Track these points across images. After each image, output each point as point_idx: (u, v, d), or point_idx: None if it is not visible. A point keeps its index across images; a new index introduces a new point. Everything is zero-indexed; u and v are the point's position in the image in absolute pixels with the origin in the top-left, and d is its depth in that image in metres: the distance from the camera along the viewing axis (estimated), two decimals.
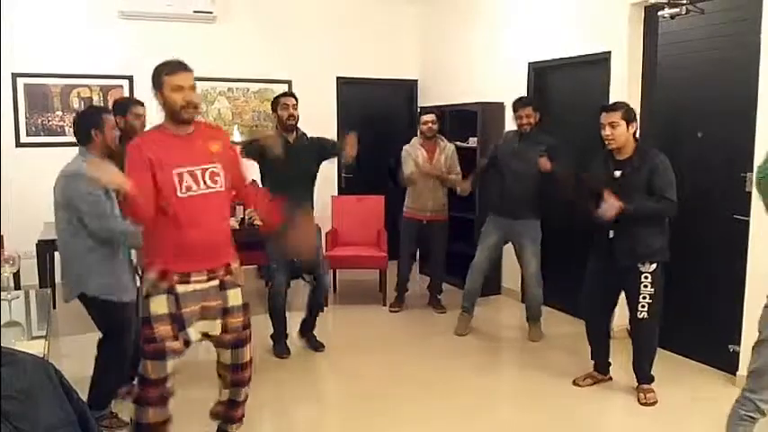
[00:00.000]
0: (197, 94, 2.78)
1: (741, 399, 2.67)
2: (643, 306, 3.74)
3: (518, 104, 4.81)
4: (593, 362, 4.09)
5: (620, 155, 3.72)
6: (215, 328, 2.87)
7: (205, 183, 2.76)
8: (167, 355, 2.75)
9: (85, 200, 3.12)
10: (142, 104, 3.91)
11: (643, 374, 3.89)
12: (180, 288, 2.75)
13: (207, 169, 2.77)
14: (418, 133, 5.65)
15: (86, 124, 3.28)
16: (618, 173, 3.71)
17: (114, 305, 3.26)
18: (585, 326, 4.08)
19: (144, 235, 2.88)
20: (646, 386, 3.88)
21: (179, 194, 2.70)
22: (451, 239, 5.82)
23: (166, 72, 2.71)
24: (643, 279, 3.71)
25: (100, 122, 3.27)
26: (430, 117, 5.53)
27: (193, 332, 2.82)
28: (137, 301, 3.30)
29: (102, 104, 6.08)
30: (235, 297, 2.90)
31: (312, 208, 4.64)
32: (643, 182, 3.64)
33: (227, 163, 2.88)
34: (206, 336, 2.89)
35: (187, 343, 2.81)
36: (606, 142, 3.72)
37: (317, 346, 4.72)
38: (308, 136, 4.62)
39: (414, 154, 5.53)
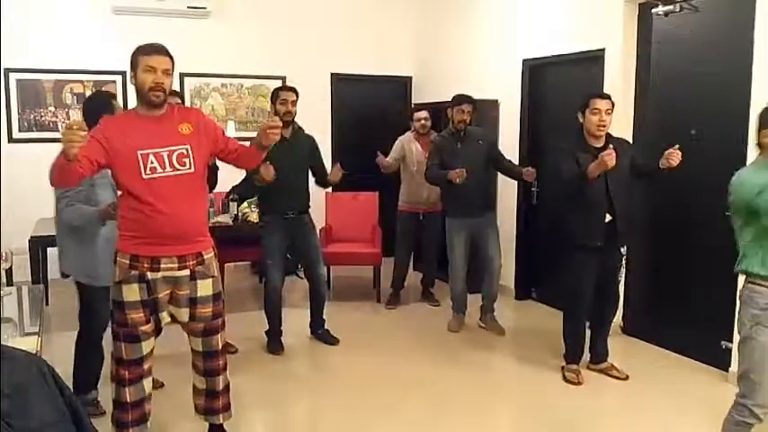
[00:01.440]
0: (168, 79, 2.76)
1: (735, 405, 2.66)
2: (618, 285, 4.04)
3: (462, 98, 4.88)
4: (570, 355, 4.11)
5: (597, 142, 3.88)
6: (182, 315, 2.89)
7: (172, 165, 2.75)
8: (141, 338, 2.80)
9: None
10: None
11: (607, 350, 4.16)
12: (151, 275, 2.76)
13: (174, 151, 2.76)
14: (412, 129, 5.70)
15: (97, 108, 3.29)
16: None
17: (84, 287, 3.36)
18: (578, 324, 4.08)
19: (118, 216, 2.87)
20: (610, 362, 4.15)
21: (143, 176, 2.70)
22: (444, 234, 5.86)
23: (142, 53, 2.74)
24: (623, 261, 4.01)
25: (110, 108, 3.32)
26: (423, 114, 5.65)
27: (165, 316, 2.86)
28: None
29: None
30: (204, 288, 2.89)
31: (309, 199, 4.66)
32: (627, 161, 3.88)
33: (202, 142, 2.86)
34: (174, 320, 2.92)
35: (159, 327, 2.85)
36: (599, 128, 3.83)
37: (331, 340, 4.73)
38: (305, 132, 4.64)
39: (408, 147, 5.60)
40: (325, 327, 4.82)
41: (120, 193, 2.86)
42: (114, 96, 3.66)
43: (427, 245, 5.78)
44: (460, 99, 4.91)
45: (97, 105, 3.35)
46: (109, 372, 2.93)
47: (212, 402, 3.09)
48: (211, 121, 3.07)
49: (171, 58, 2.77)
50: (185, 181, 2.79)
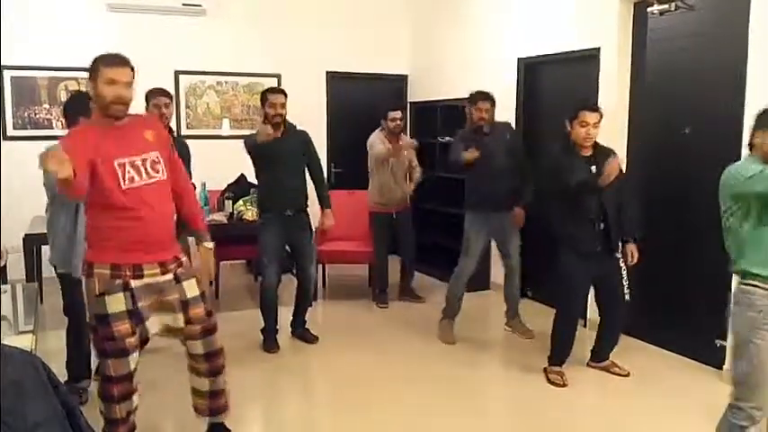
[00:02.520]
0: (130, 91, 2.71)
1: (731, 408, 2.61)
2: (624, 288, 3.95)
3: (479, 97, 4.73)
4: (555, 357, 4.09)
5: (585, 151, 3.88)
6: (177, 321, 2.86)
7: (147, 173, 2.74)
8: (129, 351, 2.73)
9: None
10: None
11: (611, 351, 4.18)
12: (134, 283, 2.72)
13: (147, 159, 2.75)
14: (383, 127, 5.57)
15: (75, 110, 3.28)
16: (593, 168, 3.82)
17: (66, 279, 3.42)
18: (570, 323, 4.08)
19: (88, 227, 2.81)
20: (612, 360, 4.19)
21: (123, 186, 2.66)
22: (428, 230, 5.89)
23: (104, 63, 2.70)
24: (621, 264, 3.94)
25: (88, 110, 3.28)
26: (398, 114, 5.54)
27: (152, 325, 2.80)
28: None
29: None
30: (191, 288, 2.89)
31: (306, 198, 4.65)
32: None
33: (162, 149, 2.85)
34: (169, 330, 2.88)
35: (144, 338, 2.79)
36: (585, 140, 3.83)
37: (310, 339, 4.73)
38: (297, 128, 4.60)
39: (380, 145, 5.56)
40: (306, 326, 4.81)
41: (88, 206, 2.77)
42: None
43: (404, 242, 5.79)
44: (476, 97, 4.74)
45: (77, 106, 3.32)
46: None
47: (216, 401, 3.08)
48: (167, 133, 3.04)
49: (133, 69, 2.73)
50: (159, 188, 2.79)
